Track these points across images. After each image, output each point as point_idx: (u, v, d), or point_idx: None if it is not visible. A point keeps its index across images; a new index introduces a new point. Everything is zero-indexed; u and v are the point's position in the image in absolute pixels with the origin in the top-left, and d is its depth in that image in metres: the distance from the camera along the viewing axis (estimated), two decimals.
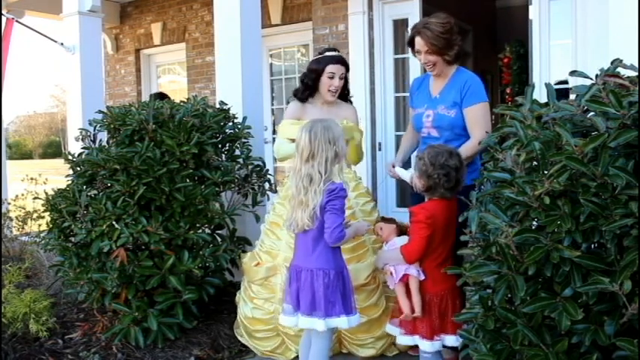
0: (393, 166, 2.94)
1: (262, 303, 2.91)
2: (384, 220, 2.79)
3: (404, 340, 2.52)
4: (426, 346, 2.42)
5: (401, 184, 4.34)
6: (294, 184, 2.34)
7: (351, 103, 3.27)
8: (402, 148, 3.17)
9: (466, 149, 2.73)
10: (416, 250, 2.40)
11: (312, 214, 2.27)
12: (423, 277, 2.44)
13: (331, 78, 3.03)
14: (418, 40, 2.83)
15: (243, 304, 3.00)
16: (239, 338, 3.06)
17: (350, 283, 2.40)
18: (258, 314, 2.90)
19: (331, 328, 2.35)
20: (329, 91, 3.05)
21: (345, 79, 3.13)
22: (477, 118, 2.78)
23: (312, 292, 2.30)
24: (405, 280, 2.47)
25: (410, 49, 2.98)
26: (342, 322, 2.31)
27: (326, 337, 2.37)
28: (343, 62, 3.09)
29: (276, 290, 2.86)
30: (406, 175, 2.79)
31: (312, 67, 3.08)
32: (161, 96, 4.94)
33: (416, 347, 2.84)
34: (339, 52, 3.16)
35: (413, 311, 2.42)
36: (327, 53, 3.09)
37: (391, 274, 2.50)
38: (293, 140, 3.00)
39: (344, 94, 3.18)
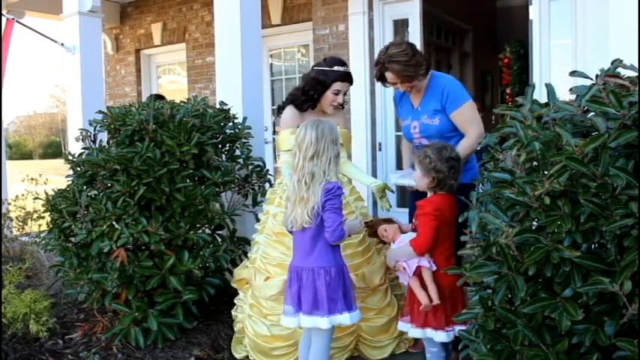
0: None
1: (279, 319, 2.62)
2: (384, 221, 2.80)
3: (415, 333, 2.55)
4: (441, 336, 2.46)
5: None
6: (295, 180, 2.34)
7: (342, 107, 3.15)
8: (406, 160, 3.16)
9: (464, 148, 2.76)
10: (425, 241, 2.46)
11: (312, 211, 2.28)
12: (435, 268, 2.49)
13: (336, 94, 2.96)
14: (389, 76, 2.85)
15: (252, 323, 2.86)
16: (237, 357, 2.94)
17: (349, 280, 2.42)
18: (277, 331, 2.76)
19: (332, 326, 2.35)
20: (331, 105, 2.99)
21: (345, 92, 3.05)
22: (467, 118, 2.82)
23: (313, 290, 2.31)
24: (418, 272, 2.50)
25: (380, 82, 2.98)
26: (344, 318, 2.32)
27: (326, 335, 2.38)
28: (350, 79, 3.01)
29: None
30: (405, 179, 2.81)
31: (320, 79, 2.95)
32: (159, 98, 4.93)
33: (415, 345, 2.87)
34: (347, 66, 3.05)
35: (431, 301, 2.45)
36: (336, 68, 2.96)
37: (404, 269, 2.53)
38: None
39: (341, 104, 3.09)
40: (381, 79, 2.92)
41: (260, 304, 2.87)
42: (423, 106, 2.92)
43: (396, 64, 2.78)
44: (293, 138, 2.96)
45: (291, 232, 2.49)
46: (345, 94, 3.02)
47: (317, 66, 3.07)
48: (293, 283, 2.38)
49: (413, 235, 2.57)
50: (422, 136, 2.92)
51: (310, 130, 2.34)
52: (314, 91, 2.97)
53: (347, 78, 2.99)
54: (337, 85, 2.95)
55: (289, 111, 3.04)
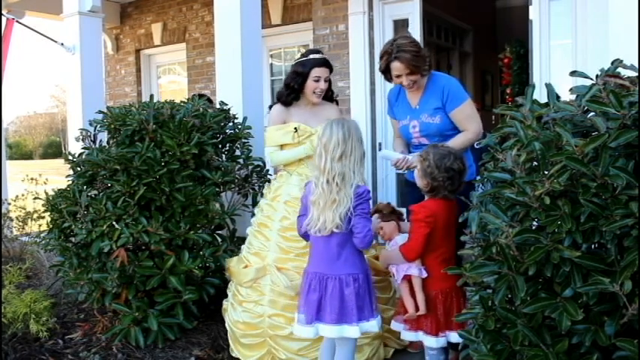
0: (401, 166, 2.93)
1: (252, 306, 2.83)
2: (380, 212, 2.70)
3: (408, 336, 2.53)
4: (431, 342, 2.43)
5: (400, 183, 4.34)
6: (323, 182, 2.22)
7: (336, 103, 3.25)
8: (399, 147, 3.17)
9: (462, 141, 2.81)
10: (414, 248, 2.41)
11: (344, 215, 2.19)
12: (425, 275, 2.45)
13: (317, 81, 3.01)
14: (397, 66, 2.85)
15: (232, 310, 2.93)
16: (234, 356, 2.93)
17: (372, 285, 2.37)
18: (247, 317, 2.82)
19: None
20: (314, 93, 3.03)
21: (329, 81, 3.09)
22: (466, 116, 2.86)
23: (340, 299, 2.22)
24: (408, 278, 2.48)
25: (383, 75, 2.99)
26: (371, 325, 2.26)
27: (353, 341, 2.33)
28: (328, 64, 3.06)
29: (264, 292, 2.81)
30: (390, 152, 2.89)
31: (298, 70, 3.03)
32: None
33: (414, 344, 2.86)
34: (322, 53, 3.13)
35: (417, 309, 2.43)
36: (312, 56, 3.04)
37: (393, 275, 2.51)
38: (282, 147, 3.05)
39: (328, 95, 3.16)
40: (386, 71, 2.93)
41: (238, 291, 2.93)
42: (422, 105, 2.94)
43: (406, 54, 2.81)
44: (278, 134, 3.05)
45: (306, 238, 2.42)
46: (326, 80, 3.05)
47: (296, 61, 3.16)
48: (312, 291, 2.26)
49: (406, 238, 2.53)
50: (422, 135, 2.93)
51: (337, 129, 2.23)
52: (294, 82, 3.04)
53: (324, 63, 3.04)
54: (316, 72, 3.00)
55: (275, 108, 3.14)
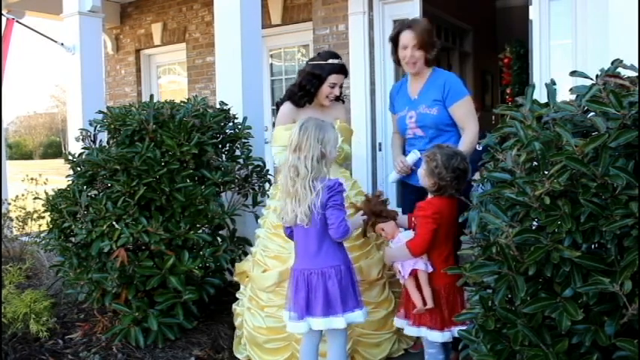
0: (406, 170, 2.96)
1: (275, 311, 2.78)
2: (367, 205, 2.66)
3: (410, 331, 2.55)
4: (435, 336, 2.45)
5: (399, 184, 4.32)
6: (284, 175, 2.37)
7: (343, 102, 3.25)
8: (398, 150, 3.19)
9: (468, 142, 2.83)
10: (421, 243, 2.45)
11: (308, 210, 2.26)
12: (431, 270, 2.48)
13: (332, 87, 3.01)
14: (407, 35, 2.89)
15: (250, 316, 2.87)
16: (239, 357, 2.93)
17: (355, 277, 2.42)
18: (272, 322, 2.78)
19: (348, 324, 2.34)
20: (327, 97, 3.03)
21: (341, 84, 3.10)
22: (466, 112, 2.90)
23: (324, 292, 2.27)
24: (414, 274, 2.51)
25: (392, 47, 3.03)
26: (357, 316, 2.31)
27: (344, 334, 2.38)
28: (345, 71, 3.06)
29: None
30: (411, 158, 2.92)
31: (316, 73, 3.00)
32: None
33: (415, 345, 2.87)
34: (340, 58, 3.10)
35: (425, 304, 2.46)
36: (330, 60, 3.01)
37: (399, 272, 2.54)
38: None
39: (337, 96, 3.15)
40: (394, 40, 2.98)
41: (258, 296, 2.88)
42: (421, 96, 2.97)
43: (418, 27, 2.89)
44: (287, 134, 3.00)
45: (290, 238, 2.46)
46: (340, 86, 3.06)
47: (312, 61, 3.12)
48: (299, 289, 2.31)
49: (410, 234, 2.56)
50: (417, 125, 2.96)
51: (297, 126, 2.37)
52: (310, 85, 3.01)
53: (342, 70, 3.04)
54: (333, 78, 3.00)
55: (285, 107, 3.10)
